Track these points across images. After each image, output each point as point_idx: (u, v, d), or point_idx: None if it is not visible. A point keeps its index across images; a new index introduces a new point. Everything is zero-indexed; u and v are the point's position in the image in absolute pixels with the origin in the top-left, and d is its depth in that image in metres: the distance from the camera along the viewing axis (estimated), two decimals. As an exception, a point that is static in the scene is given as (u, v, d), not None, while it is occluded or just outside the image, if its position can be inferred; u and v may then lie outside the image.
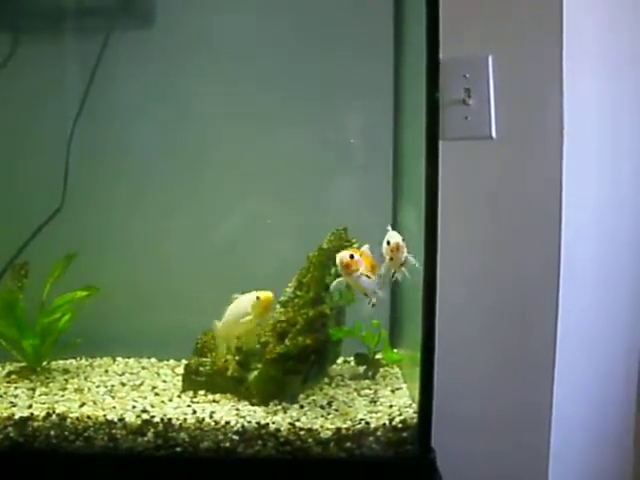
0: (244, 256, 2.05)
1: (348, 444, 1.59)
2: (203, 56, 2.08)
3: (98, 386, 1.88)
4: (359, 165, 2.11)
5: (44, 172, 2.11)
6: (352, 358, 1.99)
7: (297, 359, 1.71)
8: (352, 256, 1.57)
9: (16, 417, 1.65)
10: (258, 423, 1.62)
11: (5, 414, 1.66)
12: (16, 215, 2.11)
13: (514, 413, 1.94)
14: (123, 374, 1.99)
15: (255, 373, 1.74)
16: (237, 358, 1.78)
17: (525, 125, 1.96)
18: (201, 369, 1.82)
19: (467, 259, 1.93)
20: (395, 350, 1.94)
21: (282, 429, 1.61)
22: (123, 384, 1.90)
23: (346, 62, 2.04)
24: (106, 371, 2.02)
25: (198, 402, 1.76)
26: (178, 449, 1.62)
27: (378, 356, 1.93)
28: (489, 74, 1.97)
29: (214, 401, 1.76)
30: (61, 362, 2.06)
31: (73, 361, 2.09)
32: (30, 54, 2.09)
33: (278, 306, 1.81)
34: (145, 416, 1.66)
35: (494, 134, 1.98)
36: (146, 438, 1.63)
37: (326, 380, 1.87)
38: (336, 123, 2.09)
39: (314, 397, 1.76)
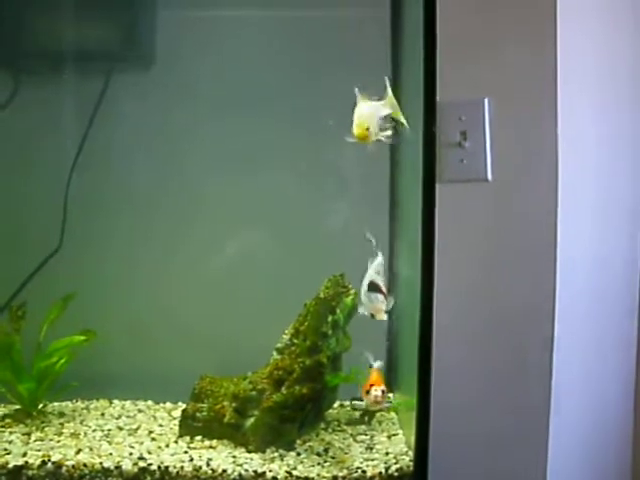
0: (241, 298, 2.05)
1: (345, 492, 1.60)
2: (202, 98, 2.10)
3: (94, 430, 1.88)
4: (355, 205, 2.13)
5: (43, 213, 2.11)
6: (348, 402, 1.99)
7: (294, 408, 1.72)
8: (384, 391, 1.65)
9: (10, 466, 1.64)
10: (255, 471, 1.62)
11: (-1, 462, 1.66)
12: (14, 256, 2.11)
13: (511, 456, 1.94)
14: (120, 417, 1.99)
15: (252, 420, 1.75)
16: (234, 405, 1.78)
17: (521, 167, 1.97)
18: (198, 415, 1.82)
19: (460, 300, 1.94)
20: (391, 395, 1.94)
21: (279, 477, 1.61)
22: (120, 428, 1.90)
23: (343, 93, 2.06)
24: (102, 414, 2.01)
25: (195, 448, 1.76)
26: (174, 497, 1.62)
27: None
28: (485, 117, 1.99)
29: (211, 447, 1.76)
30: (57, 404, 2.05)
31: (69, 403, 2.08)
32: (31, 95, 2.11)
33: (275, 353, 1.81)
34: (142, 464, 1.65)
35: (490, 177, 2.00)
36: (142, 486, 1.63)
37: (322, 425, 1.87)
38: (333, 162, 2.11)
39: (311, 443, 1.77)
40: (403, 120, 1.70)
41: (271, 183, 2.07)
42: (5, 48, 2.13)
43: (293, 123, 2.08)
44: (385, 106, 1.67)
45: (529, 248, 1.96)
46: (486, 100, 1.99)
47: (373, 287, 1.65)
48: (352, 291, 1.84)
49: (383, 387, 1.64)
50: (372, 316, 1.63)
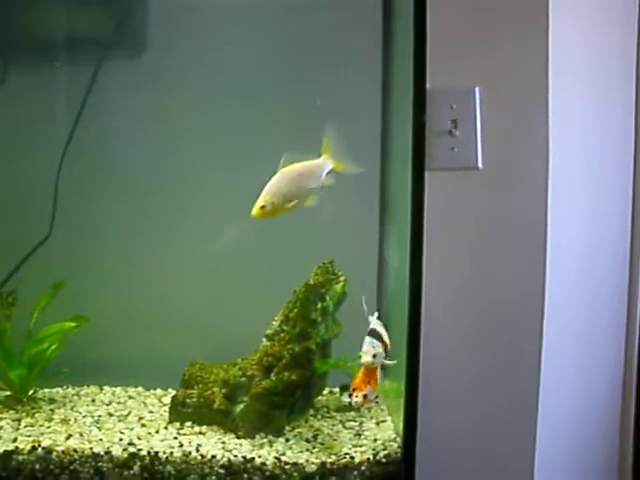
0: (233, 285, 2.06)
1: (333, 478, 1.61)
2: (193, 84, 2.10)
3: (85, 416, 1.89)
4: (345, 192, 2.13)
5: (32, 201, 2.12)
6: (337, 389, 2.00)
7: (283, 394, 1.72)
8: (365, 396, 1.65)
9: (0, 451, 1.65)
10: (244, 457, 1.63)
11: (-11, 447, 1.67)
12: (3, 244, 2.11)
13: (499, 445, 1.96)
14: (110, 403, 2.00)
15: (241, 406, 1.76)
16: (224, 391, 1.79)
17: (511, 156, 1.98)
18: (188, 401, 1.82)
19: (449, 289, 1.96)
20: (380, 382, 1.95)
21: (268, 463, 1.62)
22: (110, 414, 1.91)
23: (334, 84, 2.06)
24: (93, 400, 2.02)
25: (185, 434, 1.77)
26: (164, 483, 1.63)
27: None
28: (476, 105, 2.00)
29: (200, 433, 1.77)
30: (47, 391, 2.05)
31: (59, 390, 2.08)
32: (20, 83, 2.10)
33: (264, 339, 1.82)
34: (132, 449, 1.66)
35: (480, 165, 2.01)
36: (132, 471, 1.63)
37: (312, 412, 1.88)
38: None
39: (300, 429, 1.78)
40: (352, 169, 1.71)
41: (261, 172, 2.07)
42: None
43: (284, 111, 2.08)
44: (325, 162, 1.68)
45: (519, 237, 1.97)
46: (477, 89, 1.99)
47: (374, 334, 1.68)
48: (342, 278, 1.85)
49: (365, 391, 1.64)
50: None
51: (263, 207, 1.61)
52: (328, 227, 2.04)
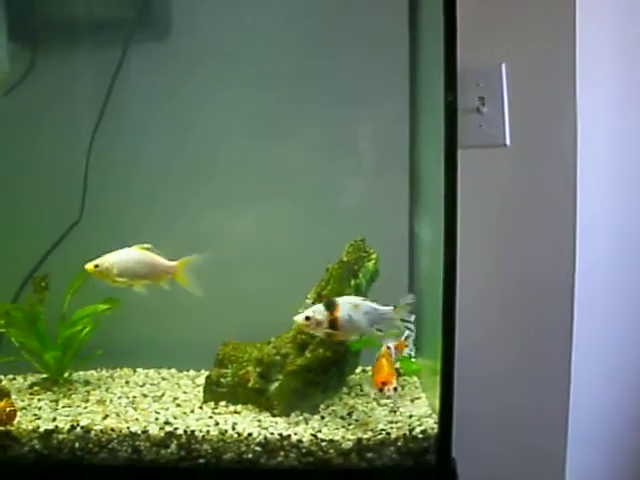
0: (263, 265, 2.06)
1: (369, 454, 1.61)
2: (219, 65, 2.10)
3: (120, 397, 1.90)
4: (375, 172, 2.12)
5: (62, 185, 2.13)
6: (370, 368, 2.00)
7: (318, 371, 1.73)
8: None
9: (41, 429, 1.67)
10: (280, 434, 1.63)
11: (30, 426, 1.68)
12: (35, 228, 2.13)
13: (531, 415, 1.96)
14: (144, 385, 2.01)
15: (276, 384, 1.76)
16: (258, 370, 1.79)
17: (539, 132, 1.97)
18: (222, 380, 1.83)
19: (481, 265, 1.95)
20: (413, 359, 1.95)
21: (304, 440, 1.63)
22: (144, 395, 1.92)
23: (361, 66, 2.06)
24: (127, 382, 2.04)
25: (220, 413, 1.78)
26: (201, 460, 1.64)
27: (396, 366, 1.94)
28: (503, 82, 1.98)
29: (235, 412, 1.78)
30: (81, 373, 2.07)
31: (93, 372, 2.10)
32: (48, 68, 2.11)
33: (297, 317, 1.82)
34: (168, 428, 1.68)
35: (508, 142, 1.99)
36: (169, 450, 1.65)
37: (345, 390, 1.89)
38: (351, 129, 2.11)
39: (334, 407, 1.78)
40: (194, 289, 1.79)
41: (292, 151, 2.07)
42: (21, 20, 2.13)
43: (312, 92, 2.08)
44: (172, 267, 1.78)
45: (548, 212, 1.96)
46: (503, 65, 1.98)
47: (330, 303, 1.65)
48: (373, 256, 1.84)
49: (395, 384, 1.61)
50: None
51: (97, 266, 1.75)
52: (359, 205, 2.04)
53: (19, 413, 1.70)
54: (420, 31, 1.98)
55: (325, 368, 1.73)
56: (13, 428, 1.66)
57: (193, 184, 2.11)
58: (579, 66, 1.92)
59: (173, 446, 1.65)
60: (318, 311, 1.63)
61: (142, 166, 2.13)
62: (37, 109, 2.12)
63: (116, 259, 1.75)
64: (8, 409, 1.66)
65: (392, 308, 1.65)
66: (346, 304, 1.63)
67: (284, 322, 1.84)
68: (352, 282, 1.78)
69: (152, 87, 2.13)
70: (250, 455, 1.63)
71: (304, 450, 1.61)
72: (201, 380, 1.97)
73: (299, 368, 1.73)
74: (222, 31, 2.09)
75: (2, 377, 2.02)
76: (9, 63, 2.10)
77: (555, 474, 1.97)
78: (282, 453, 1.62)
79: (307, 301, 1.81)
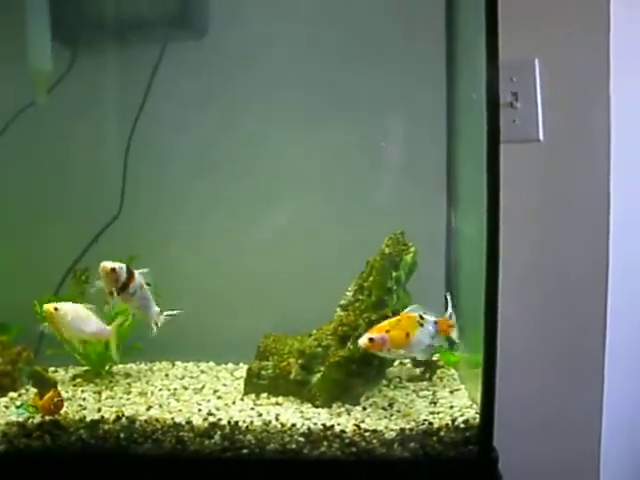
0: (302, 260, 2.08)
1: (412, 444, 1.62)
2: (255, 66, 2.12)
3: (161, 390, 1.93)
4: (412, 169, 2.13)
5: (102, 180, 2.16)
6: (408, 360, 2.01)
7: (360, 362, 1.74)
8: (372, 339, 1.59)
9: (87, 420, 1.70)
10: (323, 425, 1.65)
11: (77, 416, 1.71)
12: (76, 222, 2.17)
13: (566, 415, 1.96)
14: (183, 378, 2.03)
15: (318, 376, 1.78)
16: (300, 361, 1.81)
17: (572, 127, 1.97)
18: (263, 372, 1.85)
19: (516, 261, 1.95)
20: (452, 351, 1.96)
21: (347, 430, 1.64)
22: (185, 387, 1.94)
23: (399, 63, 2.07)
24: (166, 375, 2.06)
25: (261, 405, 1.80)
26: (245, 451, 1.65)
27: (435, 358, 1.96)
28: (536, 77, 1.99)
29: (277, 404, 1.80)
30: (122, 366, 2.10)
31: (133, 365, 2.13)
32: (88, 67, 2.15)
33: (338, 310, 1.84)
34: (212, 419, 1.69)
35: (542, 137, 2.00)
36: (213, 440, 1.66)
37: (384, 382, 1.89)
38: (388, 128, 2.12)
39: (374, 399, 1.79)
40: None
41: (329, 149, 2.09)
42: (62, 19, 2.16)
43: (350, 91, 2.10)
44: (107, 332, 1.86)
45: (582, 207, 1.96)
46: (536, 60, 1.99)
47: None
48: (412, 249, 1.85)
49: (376, 336, 1.59)
50: None
51: (56, 309, 1.78)
52: (396, 201, 2.06)
53: (65, 403, 1.73)
54: (458, 26, 1.99)
55: (367, 359, 1.74)
56: (61, 418, 1.70)
57: (232, 180, 2.13)
58: (613, 60, 1.93)
59: (217, 437, 1.66)
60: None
61: (179, 162, 2.16)
62: (77, 106, 2.15)
63: (64, 314, 1.79)
64: (56, 399, 1.70)
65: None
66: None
67: (323, 315, 1.86)
68: (393, 274, 1.79)
69: (189, 85, 2.15)
70: (293, 445, 1.64)
71: (347, 440, 1.62)
72: (240, 373, 2.00)
73: (342, 359, 1.74)
74: (259, 31, 2.11)
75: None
76: (52, 63, 2.14)
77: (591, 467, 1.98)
78: (325, 443, 1.63)
79: (347, 293, 1.83)
